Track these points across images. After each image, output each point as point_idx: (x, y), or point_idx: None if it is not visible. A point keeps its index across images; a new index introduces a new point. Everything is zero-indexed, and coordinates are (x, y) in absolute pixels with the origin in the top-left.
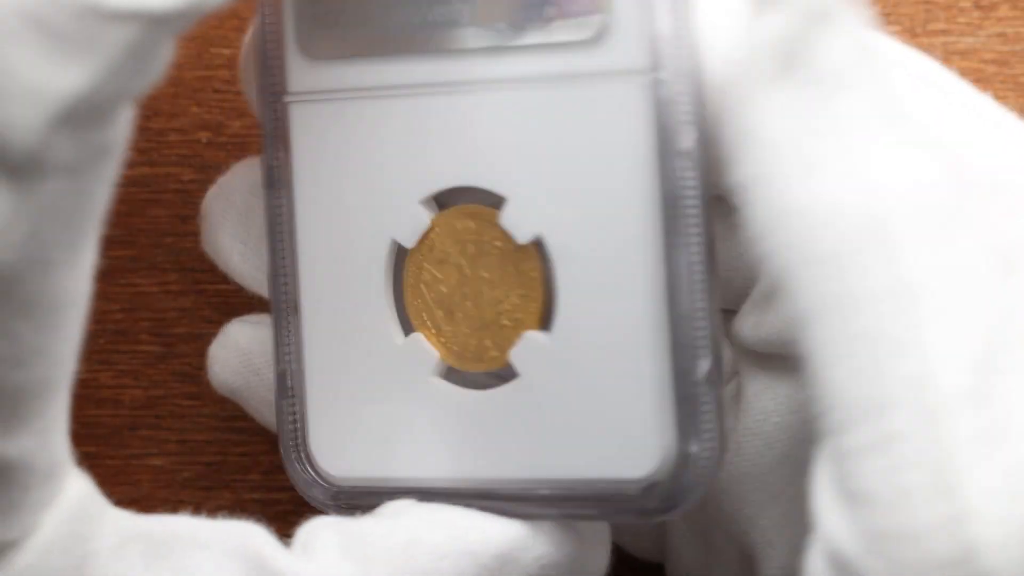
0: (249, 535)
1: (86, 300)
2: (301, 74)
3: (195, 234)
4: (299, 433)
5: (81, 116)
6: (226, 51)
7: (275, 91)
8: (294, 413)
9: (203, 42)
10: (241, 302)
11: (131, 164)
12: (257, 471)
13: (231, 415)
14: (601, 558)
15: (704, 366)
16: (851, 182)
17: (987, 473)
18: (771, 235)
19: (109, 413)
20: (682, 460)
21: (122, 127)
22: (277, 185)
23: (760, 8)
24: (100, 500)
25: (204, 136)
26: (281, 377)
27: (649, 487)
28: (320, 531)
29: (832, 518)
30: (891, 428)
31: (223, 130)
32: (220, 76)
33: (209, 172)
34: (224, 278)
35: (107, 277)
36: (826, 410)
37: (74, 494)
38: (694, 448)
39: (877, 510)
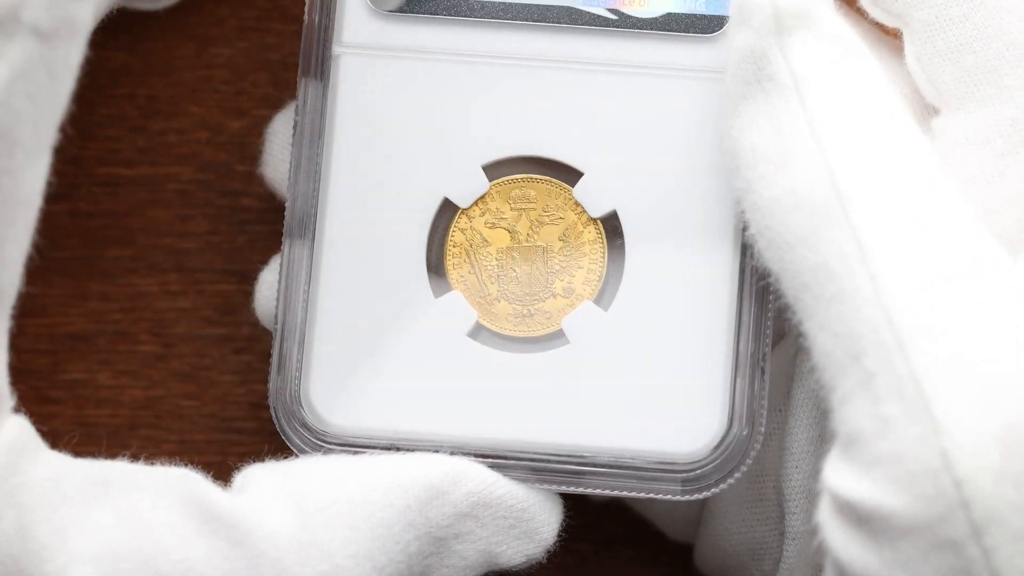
0: (185, 477)
1: (37, 207)
2: (361, 26)
3: (195, 234)
4: (299, 379)
5: None
6: (226, 51)
7: (324, 41)
8: (299, 360)
9: (202, 42)
10: (241, 302)
11: (131, 164)
12: None
13: (231, 415)
14: (550, 514)
15: (759, 352)
16: (811, 173)
17: (957, 394)
18: (755, 230)
19: (109, 413)
20: (729, 441)
21: (90, 6)
22: (308, 135)
23: (734, 27)
24: (37, 438)
25: (204, 136)
26: (284, 325)
27: (697, 464)
28: (255, 473)
29: (831, 467)
30: (865, 370)
31: (223, 130)
32: (220, 76)
33: (209, 172)
34: (224, 278)
35: (107, 277)
36: (818, 375)
37: (11, 427)
38: (739, 430)
39: (865, 442)
